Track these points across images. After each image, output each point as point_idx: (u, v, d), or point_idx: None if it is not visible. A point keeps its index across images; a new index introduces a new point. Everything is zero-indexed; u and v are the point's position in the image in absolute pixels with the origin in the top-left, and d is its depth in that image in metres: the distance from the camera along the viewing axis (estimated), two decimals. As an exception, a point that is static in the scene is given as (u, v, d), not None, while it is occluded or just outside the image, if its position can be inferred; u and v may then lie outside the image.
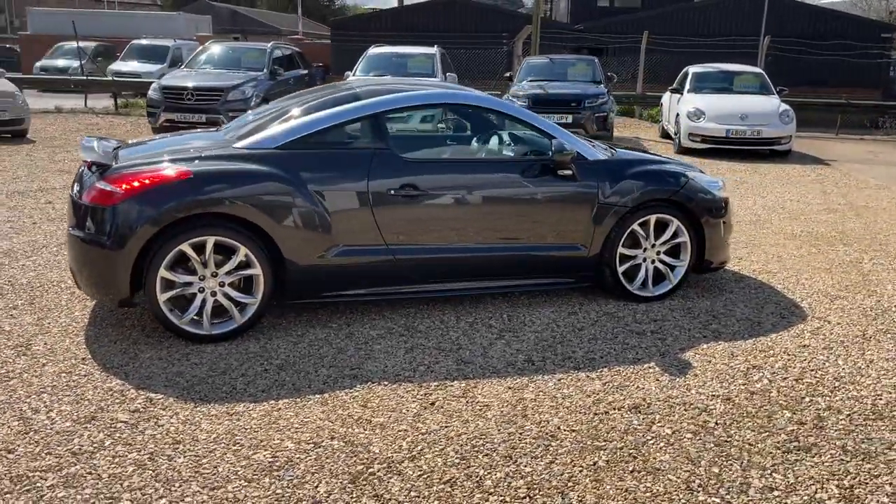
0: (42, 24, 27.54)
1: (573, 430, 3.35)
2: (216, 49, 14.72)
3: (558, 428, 3.36)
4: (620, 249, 4.91)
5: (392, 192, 4.40)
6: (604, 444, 3.24)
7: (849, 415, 3.56)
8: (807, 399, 3.71)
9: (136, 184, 4.04)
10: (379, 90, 4.75)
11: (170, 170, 4.11)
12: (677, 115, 13.23)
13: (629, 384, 3.83)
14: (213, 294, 4.19)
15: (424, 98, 4.76)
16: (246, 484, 2.88)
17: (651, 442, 3.27)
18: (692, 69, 14.31)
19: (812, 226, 7.63)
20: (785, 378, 3.94)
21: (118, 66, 22.35)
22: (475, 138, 5.22)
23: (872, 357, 4.23)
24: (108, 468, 2.96)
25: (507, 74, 14.48)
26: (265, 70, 13.87)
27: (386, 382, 3.78)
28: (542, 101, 12.44)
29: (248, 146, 4.35)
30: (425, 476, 2.96)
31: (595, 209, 4.80)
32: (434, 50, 14.05)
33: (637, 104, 18.48)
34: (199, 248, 4.11)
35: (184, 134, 5.46)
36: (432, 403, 3.57)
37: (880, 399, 3.72)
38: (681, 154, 12.74)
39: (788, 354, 4.24)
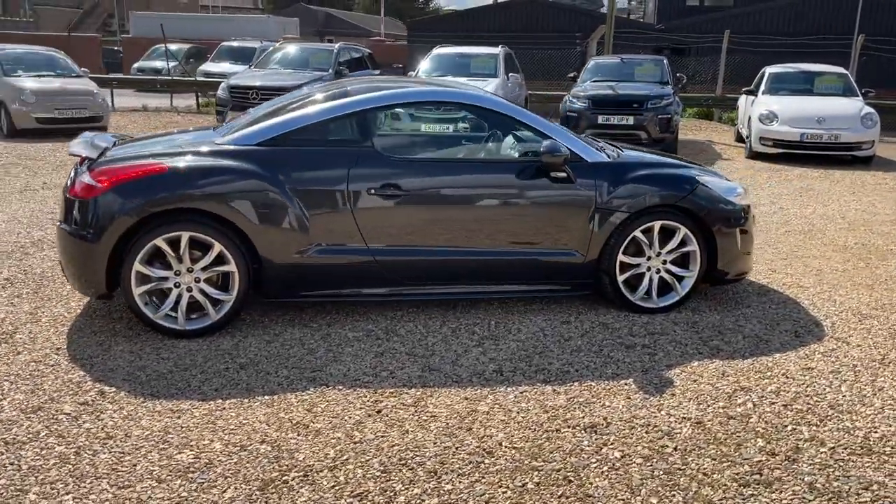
0: (143, 28, 28.92)
1: (514, 448, 3.15)
2: (286, 50, 15.02)
3: (499, 444, 3.17)
4: (621, 257, 4.64)
5: (373, 191, 4.30)
6: (542, 464, 3.03)
7: (832, 448, 3.21)
8: (789, 427, 3.37)
9: (113, 178, 4.09)
10: (369, 87, 4.65)
11: (147, 165, 4.14)
12: (749, 117, 12.57)
13: (596, 401, 3.59)
14: (189, 290, 4.19)
15: (409, 96, 4.63)
16: (156, 485, 2.84)
17: (594, 465, 3.04)
18: (769, 69, 13.58)
19: (869, 237, 7.04)
20: (773, 403, 3.60)
21: (207, 66, 23.16)
22: (467, 137, 5.05)
23: (883, 385, 3.82)
24: (32, 460, 2.98)
25: (571, 74, 14.12)
26: (331, 70, 14.04)
27: (341, 387, 3.68)
28: (602, 101, 12.07)
29: (229, 143, 4.34)
30: (338, 488, 2.84)
31: (592, 213, 4.55)
32: (498, 50, 13.88)
33: (716, 107, 17.71)
34: (176, 244, 4.12)
35: (182, 131, 5.52)
36: (379, 411, 3.44)
37: (875, 432, 3.34)
38: (752, 159, 12.12)
39: (787, 377, 3.89)
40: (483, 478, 2.93)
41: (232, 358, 3.99)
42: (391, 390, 3.65)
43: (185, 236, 4.11)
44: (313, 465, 2.99)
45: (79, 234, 4.11)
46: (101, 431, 3.21)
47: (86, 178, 4.16)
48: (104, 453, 3.05)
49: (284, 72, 14.05)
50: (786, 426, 3.38)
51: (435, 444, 3.16)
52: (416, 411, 3.45)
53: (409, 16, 58.19)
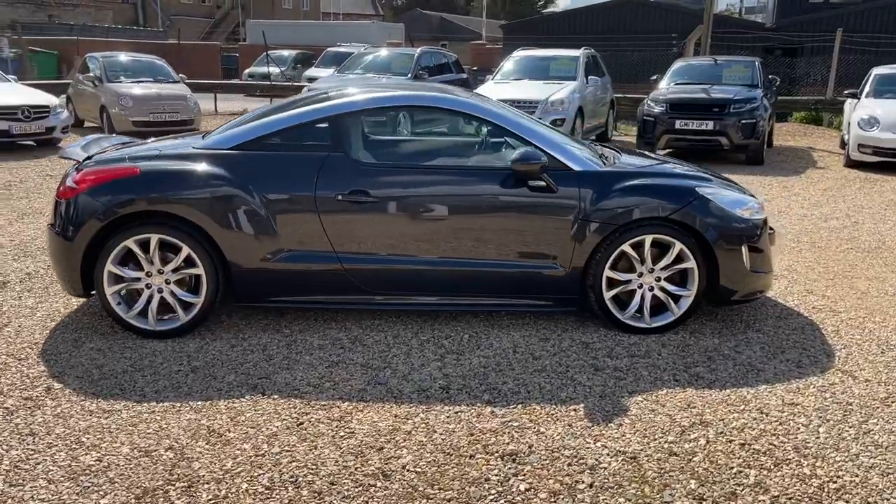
0: (258, 35, 30.19)
1: (416, 472, 2.98)
2: (370, 55, 15.22)
3: (403, 467, 3.02)
4: (608, 272, 4.34)
5: (340, 197, 4.22)
6: (436, 492, 2.85)
7: (775, 496, 2.85)
8: (735, 470, 3.02)
9: (89, 180, 4.21)
10: (347, 93, 4.57)
11: (120, 168, 4.24)
12: (848, 123, 11.62)
13: (531, 426, 3.35)
14: (160, 291, 4.26)
15: (383, 101, 4.51)
16: (44, 485, 2.87)
17: (492, 497, 2.83)
18: (876, 70, 12.50)
19: (943, 258, 6.31)
20: (729, 441, 3.25)
21: (311, 72, 23.85)
22: (444, 143, 4.87)
23: (872, 428, 3.36)
24: (-52, 451, 3.09)
25: (654, 77, 13.52)
26: (409, 75, 14.11)
27: (276, 396, 3.62)
28: (680, 105, 11.49)
29: (204, 147, 4.38)
30: (213, 501, 2.77)
31: (574, 225, 4.28)
32: (579, 52, 13.50)
33: (826, 111, 16.49)
34: (147, 246, 4.19)
35: (187, 134, 5.63)
36: (300, 424, 3.36)
37: (833, 482, 2.94)
38: (849, 168, 11.18)
39: (761, 413, 3.50)
40: (367, 502, 2.78)
41: (189, 360, 4.02)
42: (325, 403, 3.56)
43: (154, 238, 4.18)
44: (203, 475, 2.94)
45: (60, 234, 4.26)
46: (27, 427, 3.29)
47: (69, 181, 4.31)
48: (17, 449, 3.12)
49: (360, 77, 14.24)
50: (731, 468, 3.04)
51: (336, 462, 3.04)
52: (337, 426, 3.34)
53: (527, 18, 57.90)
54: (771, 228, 4.79)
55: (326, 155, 4.27)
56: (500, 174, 4.29)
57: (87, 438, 3.21)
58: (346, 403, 3.55)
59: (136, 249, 4.19)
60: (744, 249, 4.40)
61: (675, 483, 2.93)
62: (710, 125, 11.21)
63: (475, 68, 23.06)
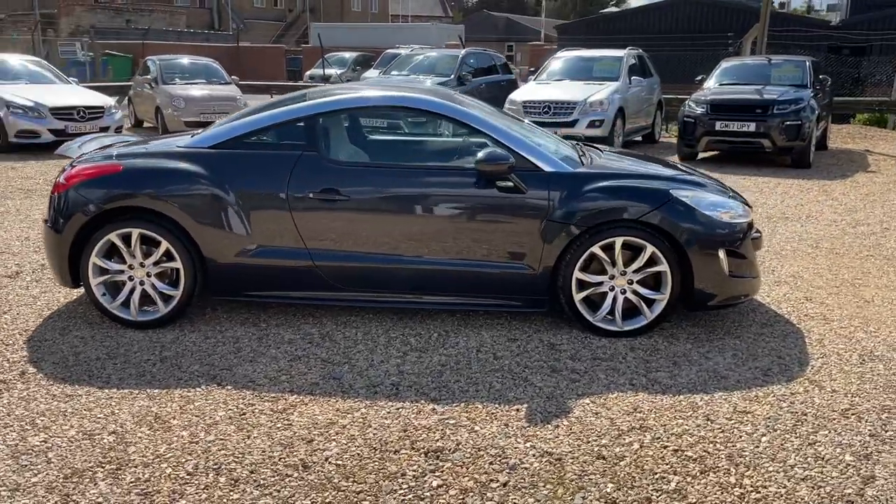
0: (321, 37, 30.81)
1: (337, 465, 3.04)
2: (416, 56, 15.36)
3: (326, 460, 3.08)
4: (579, 274, 4.30)
5: (311, 195, 4.32)
6: (349, 485, 2.90)
7: (691, 503, 2.79)
8: (658, 475, 2.97)
9: (75, 176, 4.43)
10: (323, 93, 4.66)
11: (105, 165, 4.44)
12: (902, 125, 11.11)
13: (468, 424, 3.37)
14: (141, 283, 4.44)
15: (355, 102, 4.57)
16: (-15, 462, 3.05)
17: (402, 492, 2.86)
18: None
19: (967, 267, 5.99)
20: (664, 447, 3.19)
21: (369, 73, 24.24)
22: (416, 143, 4.90)
23: (819, 440, 3.25)
24: (-87, 427, 3.31)
25: (699, 77, 13.19)
26: (453, 76, 14.17)
27: (230, 387, 3.74)
28: (720, 106, 11.19)
29: (186, 145, 4.54)
30: (135, 484, 2.89)
31: (543, 226, 4.27)
32: (623, 53, 13.33)
33: (890, 112, 15.79)
34: (129, 239, 4.38)
35: (172, 135, 5.76)
36: (242, 415, 3.46)
37: (758, 492, 2.87)
38: (900, 171, 10.69)
39: (707, 420, 3.42)
40: (278, 492, 2.85)
41: (161, 350, 4.18)
42: (274, 395, 3.65)
43: (135, 233, 4.36)
44: (134, 459, 3.07)
45: (52, 227, 4.49)
46: (-10, 409, 3.50)
47: (60, 177, 4.54)
48: (-25, 429, 3.31)
49: (403, 78, 14.38)
50: (655, 474, 2.99)
51: (263, 452, 3.13)
52: (277, 418, 3.43)
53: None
54: (757, 231, 4.67)
55: (300, 154, 4.38)
56: (470, 174, 4.30)
57: (42, 421, 3.38)
58: (294, 396, 3.64)
59: (119, 243, 4.38)
60: (721, 253, 4.30)
61: (591, 486, 2.91)
62: (751, 127, 10.89)
63: (532, 69, 22.97)
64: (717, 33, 20.67)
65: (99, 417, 3.42)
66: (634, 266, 4.29)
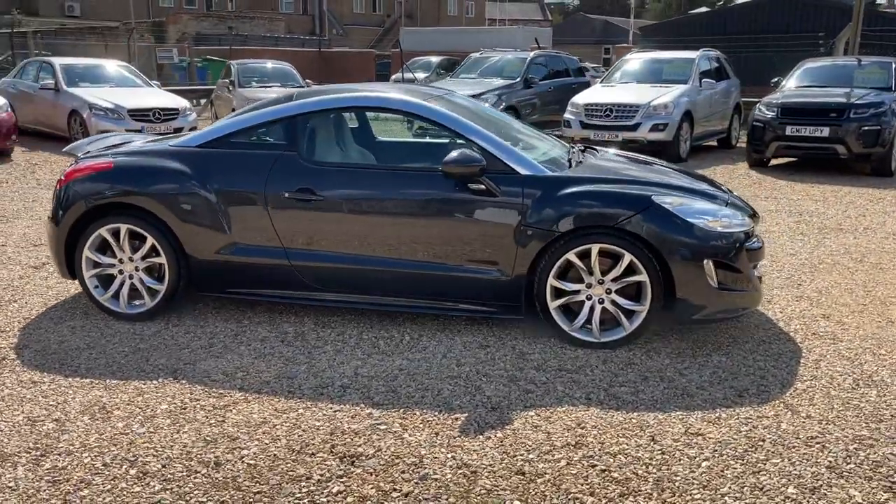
0: (410, 42, 31.17)
1: (248, 464, 3.03)
2: (487, 59, 15.29)
3: (240, 458, 3.07)
4: (554, 282, 4.14)
5: (287, 195, 4.34)
6: (249, 485, 2.88)
7: (593, 529, 2.62)
8: (572, 495, 2.81)
9: (71, 173, 4.62)
10: (307, 94, 4.67)
11: (98, 162, 4.61)
12: None
13: (399, 431, 3.29)
14: (130, 277, 4.59)
15: (332, 103, 4.53)
16: (-70, 441, 3.21)
17: (299, 495, 2.82)
18: None
19: None
20: (591, 466, 3.01)
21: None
22: (393, 144, 4.83)
23: (767, 469, 2.99)
24: None
25: (774, 80, 12.49)
26: (519, 79, 14.02)
27: (184, 381, 3.80)
28: (792, 109, 10.56)
29: (176, 144, 4.65)
30: (48, 472, 2.97)
31: (517, 230, 4.13)
32: (695, 54, 12.82)
33: None
34: (118, 234, 4.53)
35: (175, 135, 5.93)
36: (182, 409, 3.51)
37: (670, 521, 2.66)
38: None
39: (652, 441, 3.21)
40: (180, 487, 2.87)
41: (138, 342, 4.30)
42: (221, 391, 3.68)
43: (123, 228, 4.51)
44: (60, 447, 3.15)
45: (52, 220, 4.69)
46: (-44, 392, 3.68)
47: (62, 174, 4.74)
48: (-64, 409, 3.50)
49: (475, 80, 14.33)
50: (570, 493, 2.82)
51: (184, 447, 3.15)
52: (214, 414, 3.45)
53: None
54: (758, 240, 4.37)
55: (279, 154, 4.41)
56: (443, 176, 4.21)
57: (-3, 406, 3.53)
58: (240, 394, 3.66)
59: (109, 238, 4.53)
60: (708, 264, 4.04)
61: (495, 502, 2.77)
62: (824, 132, 10.24)
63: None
64: (809, 33, 19.56)
65: (50, 405, 3.54)
66: (612, 275, 4.09)
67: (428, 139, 4.76)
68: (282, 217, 4.36)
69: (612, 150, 5.37)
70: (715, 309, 4.15)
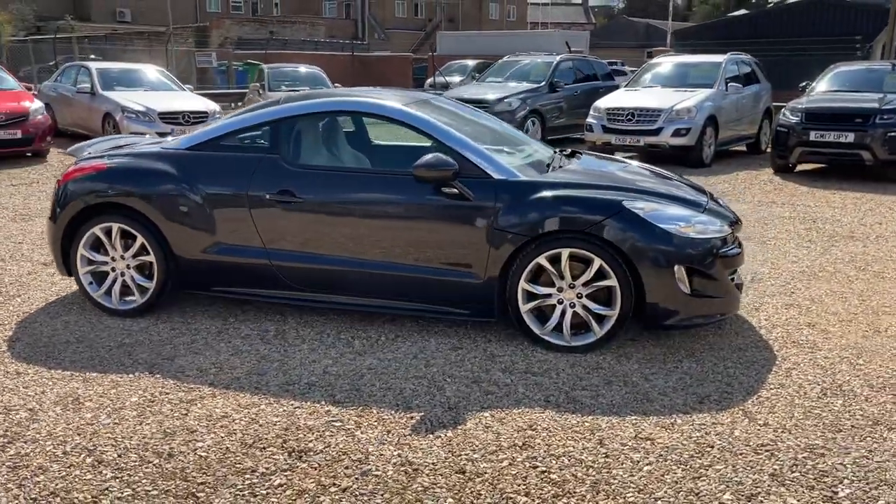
0: (447, 46, 31.37)
1: (200, 456, 3.13)
2: (509, 63, 15.31)
3: (193, 450, 3.18)
4: (526, 285, 4.17)
5: (268, 196, 4.45)
6: (195, 476, 2.99)
7: (519, 528, 2.66)
8: (506, 495, 2.85)
9: (68, 174, 4.81)
10: (291, 98, 4.79)
11: (93, 164, 4.78)
12: None
13: (352, 428, 3.36)
14: (122, 275, 4.75)
15: (310, 107, 4.62)
16: (-90, 426, 3.39)
17: (238, 487, 2.91)
18: None
19: None
20: (533, 467, 3.05)
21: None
22: (372, 147, 4.90)
23: (708, 475, 2.98)
24: None
25: (802, 84, 12.26)
26: (544, 83, 14.02)
27: (159, 375, 3.93)
28: (817, 114, 10.36)
29: (168, 147, 4.81)
30: (7, 459, 3.10)
31: (489, 234, 4.18)
32: (721, 58, 12.66)
33: None
34: (111, 233, 4.70)
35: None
36: (150, 402, 3.63)
37: (596, 523, 2.68)
38: None
39: (600, 444, 3.23)
40: (129, 476, 2.98)
41: (124, 337, 4.45)
42: (191, 386, 3.80)
43: (115, 227, 4.67)
44: (28, 435, 3.30)
45: (50, 219, 4.89)
46: (-54, 380, 3.87)
47: (62, 175, 4.94)
48: (-78, 396, 3.68)
49: (498, 84, 14.37)
50: (505, 492, 2.86)
51: (143, 438, 3.27)
52: (179, 408, 3.57)
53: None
54: (737, 246, 4.35)
55: (262, 157, 4.53)
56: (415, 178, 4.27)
57: (-25, 394, 3.70)
58: (209, 389, 3.77)
59: (102, 236, 4.70)
60: (679, 270, 4.03)
61: (429, 500, 2.83)
62: (849, 137, 10.03)
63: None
64: (846, 36, 19.09)
65: (27, 395, 3.70)
66: (583, 279, 4.11)
67: (413, 143, 4.82)
68: (263, 218, 4.48)
69: (593, 155, 5.36)
70: (687, 315, 4.14)
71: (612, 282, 4.05)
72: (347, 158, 4.72)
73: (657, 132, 11.42)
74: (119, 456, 3.13)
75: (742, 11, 28.39)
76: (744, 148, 13.49)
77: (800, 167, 11.14)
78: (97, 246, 4.77)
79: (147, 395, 3.69)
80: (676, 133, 11.33)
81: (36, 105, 11.97)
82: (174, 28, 36.95)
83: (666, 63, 13.33)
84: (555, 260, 4.13)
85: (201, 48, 31.06)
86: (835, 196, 9.27)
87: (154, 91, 13.82)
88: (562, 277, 4.14)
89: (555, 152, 5.03)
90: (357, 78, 27.17)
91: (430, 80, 27.57)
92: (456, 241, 4.24)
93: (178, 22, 42.40)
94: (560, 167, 4.60)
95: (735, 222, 4.55)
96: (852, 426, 3.39)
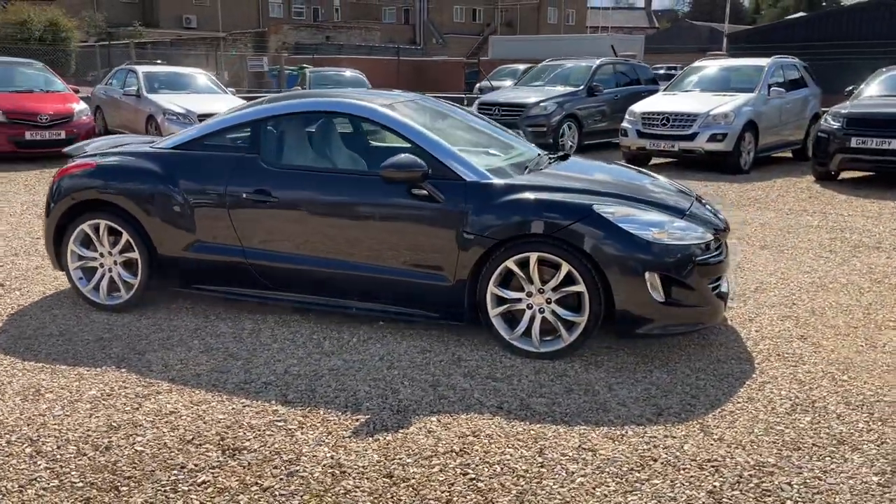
0: (500, 50, 31.31)
1: (135, 450, 3.15)
2: (550, 67, 15.16)
3: (132, 445, 3.20)
4: (494, 289, 4.09)
5: (245, 195, 4.48)
6: (125, 469, 3.01)
7: (428, 537, 2.59)
8: (424, 501, 2.78)
9: (64, 171, 4.94)
10: (273, 99, 4.81)
11: (83, 162, 4.90)
12: None
13: (294, 428, 3.34)
14: (110, 270, 4.86)
15: (290, 107, 4.63)
16: None
17: (163, 482, 2.92)
18: None
19: None
20: (462, 475, 2.97)
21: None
22: (350, 148, 4.86)
23: (642, 489, 2.86)
24: None
25: (849, 88, 11.76)
26: (583, 86, 13.83)
27: (125, 370, 3.98)
28: (859, 120, 9.92)
29: (156, 146, 4.89)
30: (-42, 444, 3.19)
31: (458, 237, 4.11)
32: (765, 62, 12.27)
33: None
34: (98, 230, 4.81)
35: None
36: (107, 396, 3.68)
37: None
38: None
39: (540, 453, 3.13)
40: (61, 468, 3.02)
41: (104, 332, 4.54)
42: (151, 381, 3.84)
43: (102, 224, 4.78)
44: (-20, 424, 3.38)
45: (45, 214, 5.03)
46: (-76, 368, 4.00)
47: (56, 173, 5.08)
48: None
49: (536, 88, 14.24)
50: (427, 498, 2.80)
51: (86, 430, 3.31)
52: (132, 402, 3.60)
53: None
54: (719, 253, 4.18)
55: (241, 156, 4.56)
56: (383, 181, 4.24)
57: (-51, 383, 3.82)
58: (167, 384, 3.80)
59: (90, 232, 4.81)
60: (652, 277, 3.89)
61: (348, 502, 2.78)
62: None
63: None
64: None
65: (-4, 385, 3.80)
66: (552, 284, 4.00)
67: (396, 144, 4.79)
68: (240, 217, 4.51)
69: (578, 158, 5.23)
70: (662, 324, 4.00)
71: (581, 287, 3.93)
72: (324, 159, 4.71)
73: (692, 137, 11.13)
74: (58, 447, 3.17)
75: (800, 14, 27.51)
76: (789, 154, 13.04)
77: (844, 175, 10.70)
78: (87, 242, 4.88)
79: (106, 389, 3.75)
80: (712, 138, 11.03)
81: (81, 106, 12.39)
82: (235, 33, 37.82)
83: (708, 67, 12.99)
84: (524, 264, 4.03)
85: (259, 52, 31.70)
86: (873, 205, 8.86)
87: (197, 94, 14.14)
88: (531, 282, 4.04)
89: (540, 155, 4.92)
90: (410, 82, 27.29)
91: (478, 85, 27.58)
92: (426, 243, 4.19)
93: (242, 27, 43.45)
94: (539, 169, 4.50)
95: (722, 229, 4.38)
96: (813, 445, 3.20)
